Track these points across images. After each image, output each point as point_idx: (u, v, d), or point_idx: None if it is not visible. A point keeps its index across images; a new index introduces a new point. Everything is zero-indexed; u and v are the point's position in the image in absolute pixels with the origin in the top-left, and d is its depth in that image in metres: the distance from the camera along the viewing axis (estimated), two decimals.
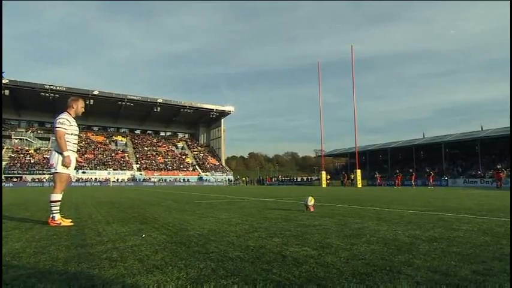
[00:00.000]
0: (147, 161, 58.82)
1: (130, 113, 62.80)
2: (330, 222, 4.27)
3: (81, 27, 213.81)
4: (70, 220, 4.31)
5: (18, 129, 56.60)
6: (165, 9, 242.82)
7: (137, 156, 60.32)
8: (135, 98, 57.49)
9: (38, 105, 54.45)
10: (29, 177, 45.02)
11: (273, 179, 65.66)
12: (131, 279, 1.82)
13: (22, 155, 50.07)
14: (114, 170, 53.25)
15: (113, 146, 61.70)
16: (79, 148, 42.58)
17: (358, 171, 33.74)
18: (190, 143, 72.19)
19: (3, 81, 45.30)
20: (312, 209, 5.71)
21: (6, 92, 46.55)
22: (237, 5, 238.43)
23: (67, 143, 4.15)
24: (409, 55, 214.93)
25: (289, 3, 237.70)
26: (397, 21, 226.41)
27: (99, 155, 56.42)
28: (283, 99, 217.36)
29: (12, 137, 53.05)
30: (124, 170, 54.30)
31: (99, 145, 60.18)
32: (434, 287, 1.68)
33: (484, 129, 38.45)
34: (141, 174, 54.15)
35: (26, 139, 53.98)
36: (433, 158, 43.12)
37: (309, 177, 58.14)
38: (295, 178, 62.36)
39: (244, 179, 63.60)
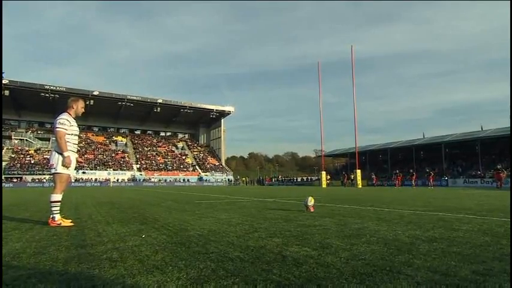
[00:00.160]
0: (147, 161, 58.82)
1: (131, 113, 62.80)
2: (330, 222, 4.27)
3: (81, 27, 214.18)
4: (70, 220, 4.31)
5: (18, 130, 56.61)
6: (165, 9, 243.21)
7: (137, 156, 60.33)
8: (135, 98, 57.51)
9: (38, 105, 54.46)
10: (29, 178, 45.02)
11: (273, 179, 65.68)
12: (131, 280, 1.83)
13: (22, 156, 50.08)
14: (114, 170, 53.25)
15: (113, 146, 61.71)
16: (79, 148, 42.56)
17: (358, 172, 33.74)
18: (190, 143, 72.19)
19: (3, 81, 45.31)
20: (312, 209, 5.71)
21: (6, 92, 46.55)
22: (237, 5, 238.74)
23: (67, 143, 4.15)
24: (409, 55, 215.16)
25: (289, 3, 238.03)
26: (397, 21, 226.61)
27: (99, 155, 56.42)
28: (283, 99, 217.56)
29: (12, 137, 53.05)
30: (124, 170, 54.30)
31: (99, 145, 60.18)
32: (434, 287, 1.68)
33: (484, 129, 38.47)
34: (141, 174, 54.15)
35: (26, 139, 53.99)
36: (433, 158, 43.12)
37: (309, 178, 58.12)
38: (295, 178, 62.35)
39: (244, 179, 63.60)
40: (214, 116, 66.41)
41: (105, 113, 61.51)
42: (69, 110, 4.36)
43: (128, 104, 57.71)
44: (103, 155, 57.14)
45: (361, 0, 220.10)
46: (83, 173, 49.17)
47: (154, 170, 56.14)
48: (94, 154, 56.35)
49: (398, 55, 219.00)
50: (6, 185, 38.61)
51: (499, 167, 25.63)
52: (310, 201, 5.77)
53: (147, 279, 1.82)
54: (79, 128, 4.51)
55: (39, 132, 57.98)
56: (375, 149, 48.58)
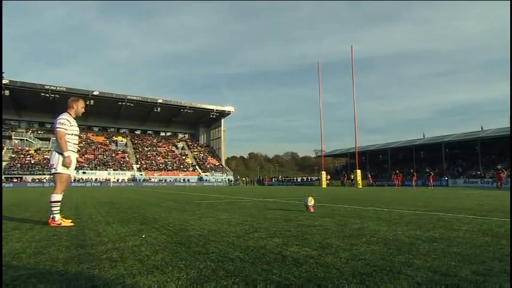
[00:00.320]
0: (147, 161, 58.84)
1: (131, 113, 62.82)
2: (330, 222, 4.27)
3: (81, 27, 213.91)
4: (70, 220, 4.32)
5: (19, 130, 56.63)
6: (165, 9, 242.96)
7: (137, 156, 60.34)
8: (135, 98, 57.54)
9: (38, 105, 54.49)
10: (29, 178, 45.04)
11: (273, 179, 65.69)
12: (131, 280, 1.83)
13: (22, 156, 50.10)
14: (114, 170, 53.27)
15: (113, 146, 61.72)
16: (79, 148, 42.53)
17: (358, 172, 33.73)
18: (190, 143, 72.21)
19: (4, 81, 45.33)
20: (312, 210, 5.71)
21: (7, 92, 46.57)
22: (237, 5, 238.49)
23: (67, 143, 4.15)
24: (409, 55, 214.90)
25: (289, 3, 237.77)
26: (397, 21, 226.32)
27: (100, 155, 56.44)
28: (283, 99, 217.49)
29: (13, 137, 53.07)
30: (124, 170, 54.32)
31: (99, 145, 60.20)
32: (434, 287, 1.68)
33: (484, 129, 38.47)
34: (141, 174, 54.17)
35: (26, 139, 54.01)
36: (433, 158, 43.12)
37: (309, 178, 58.12)
38: (295, 178, 62.35)
39: (244, 179, 63.60)
40: (214, 116, 66.42)
41: (105, 113, 61.52)
42: (69, 110, 4.36)
43: (128, 104, 57.74)
44: (103, 155, 57.16)
45: (361, 0, 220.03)
46: (83, 173, 49.18)
47: (154, 170, 56.15)
48: (94, 154, 56.37)
49: (398, 55, 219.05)
50: (7, 185, 38.63)
51: (499, 167, 25.64)
52: (310, 202, 5.77)
53: (147, 279, 1.82)
54: (79, 128, 4.52)
55: (39, 132, 58.00)
56: (375, 149, 48.59)
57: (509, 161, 30.71)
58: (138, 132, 71.48)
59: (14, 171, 45.53)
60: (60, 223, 4.08)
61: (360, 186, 31.68)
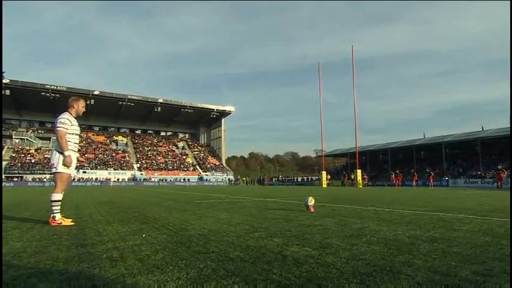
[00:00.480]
0: (147, 161, 58.85)
1: (131, 113, 62.83)
2: (331, 222, 4.27)
3: (81, 27, 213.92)
4: (71, 220, 4.32)
5: (19, 129, 56.66)
6: (165, 9, 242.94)
7: (138, 156, 60.36)
8: (135, 98, 57.54)
9: (39, 105, 54.52)
10: (29, 177, 45.07)
11: (273, 179, 65.68)
12: (132, 279, 1.83)
13: (23, 155, 50.13)
14: (114, 169, 53.30)
15: (113, 146, 61.75)
16: (80, 148, 42.56)
17: (359, 172, 33.74)
18: (190, 143, 72.23)
19: (4, 81, 45.37)
20: (312, 209, 5.71)
21: (7, 91, 46.61)
22: (237, 5, 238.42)
23: (68, 142, 4.15)
24: (409, 55, 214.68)
25: (289, 3, 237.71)
26: (397, 21, 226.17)
27: (100, 155, 56.46)
28: (284, 99, 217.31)
29: (13, 136, 53.12)
30: (124, 169, 54.34)
31: (99, 145, 60.23)
32: (434, 287, 1.68)
33: (484, 129, 38.44)
34: (141, 174, 54.19)
35: (27, 139, 54.05)
36: (433, 158, 43.10)
37: (309, 177, 58.11)
38: (295, 178, 62.34)
39: (244, 179, 63.60)
40: (214, 116, 66.41)
41: (106, 112, 61.56)
42: (70, 109, 4.36)
43: (129, 103, 57.75)
44: (103, 154, 57.18)
45: (361, 0, 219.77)
46: (84, 172, 49.21)
47: (154, 170, 56.17)
48: (95, 154, 56.39)
49: (398, 55, 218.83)
50: (7, 185, 38.66)
51: (499, 167, 25.63)
52: (311, 201, 5.77)
53: (148, 279, 1.82)
54: (80, 127, 4.52)
55: (39, 131, 58.03)
56: (375, 149, 48.59)
57: (510, 161, 30.68)
58: (138, 131, 71.50)
59: (14, 170, 45.57)
60: (61, 222, 4.08)
61: (360, 186, 31.67)
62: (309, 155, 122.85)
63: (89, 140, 60.47)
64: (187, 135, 76.44)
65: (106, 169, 52.61)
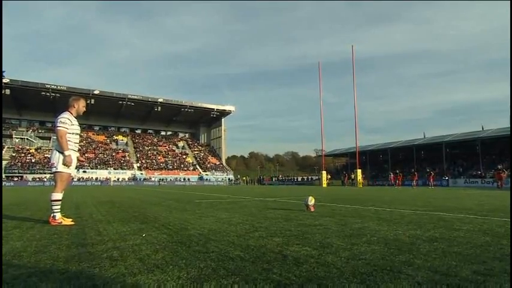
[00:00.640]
0: (147, 161, 58.87)
1: (131, 113, 62.86)
2: (331, 222, 4.27)
3: (81, 27, 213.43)
4: (71, 219, 4.32)
5: (19, 129, 56.69)
6: (165, 9, 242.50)
7: (138, 155, 60.37)
8: (135, 97, 57.57)
9: (39, 104, 54.54)
10: (29, 177, 45.11)
11: (273, 179, 65.68)
12: (132, 279, 1.83)
13: (23, 154, 50.16)
14: (114, 169, 53.32)
15: (113, 146, 61.77)
16: (80, 147, 42.58)
17: (359, 171, 33.73)
18: (190, 143, 72.24)
19: (4, 80, 45.37)
20: (312, 209, 5.71)
21: (7, 91, 46.63)
22: (237, 5, 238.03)
23: (68, 142, 4.16)
24: (409, 55, 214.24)
25: (289, 3, 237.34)
26: (397, 21, 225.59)
27: (100, 155, 56.48)
28: (284, 99, 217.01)
29: (13, 136, 53.14)
30: (125, 169, 54.36)
31: (100, 144, 60.25)
32: (434, 287, 1.68)
33: (484, 129, 38.43)
34: (141, 173, 54.21)
35: (27, 138, 54.08)
36: (433, 158, 43.11)
37: (309, 177, 58.13)
38: (295, 178, 62.35)
39: (244, 178, 63.62)
40: (214, 116, 66.42)
41: (106, 112, 61.57)
42: (70, 109, 4.36)
43: (129, 103, 57.77)
44: (104, 154, 57.20)
45: (361, 0, 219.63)
46: (84, 172, 49.24)
47: (154, 169, 56.19)
48: (95, 153, 56.42)
49: (398, 55, 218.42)
50: (7, 184, 38.69)
51: (500, 167, 25.61)
52: (311, 201, 5.77)
53: (148, 278, 1.82)
54: (80, 127, 4.52)
55: (40, 131, 58.06)
56: (375, 149, 48.59)
57: (510, 161, 30.67)
58: (138, 131, 71.53)
59: (14, 170, 45.60)
60: (61, 222, 4.09)
61: (361, 186, 31.68)
62: (309, 155, 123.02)
63: (89, 139, 60.49)
64: (187, 135, 76.46)
65: (106, 169, 52.63)
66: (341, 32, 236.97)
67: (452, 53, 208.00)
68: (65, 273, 1.95)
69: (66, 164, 4.12)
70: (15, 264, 2.17)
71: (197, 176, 57.54)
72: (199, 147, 71.34)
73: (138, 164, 57.41)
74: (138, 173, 54.31)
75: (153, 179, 52.21)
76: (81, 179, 46.38)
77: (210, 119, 69.39)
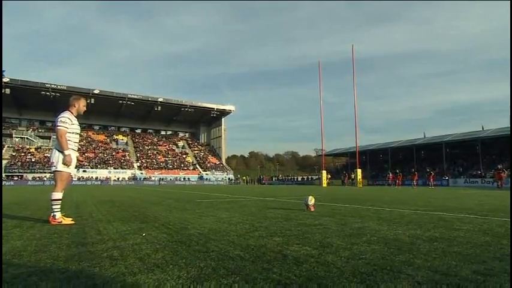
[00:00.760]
0: (147, 160, 58.88)
1: (131, 112, 62.87)
2: (331, 221, 4.27)
3: (81, 27, 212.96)
4: (71, 219, 4.32)
5: (19, 128, 56.70)
6: (165, 9, 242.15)
7: (138, 155, 60.38)
8: (136, 97, 57.58)
9: (39, 104, 54.55)
10: (29, 176, 45.12)
11: (273, 178, 65.66)
12: (132, 278, 1.83)
13: (23, 154, 50.16)
14: (114, 168, 53.33)
15: (113, 145, 61.79)
16: (80, 147, 42.66)
17: (359, 171, 33.71)
18: (190, 142, 72.25)
19: (4, 80, 45.38)
20: (312, 209, 5.71)
21: (7, 90, 46.65)
22: (237, 5, 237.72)
23: (68, 141, 4.16)
24: (409, 55, 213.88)
25: (289, 3, 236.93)
26: (397, 21, 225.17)
27: (100, 154, 56.50)
28: (284, 99, 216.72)
29: (13, 135, 53.15)
30: (125, 168, 54.38)
31: (100, 144, 60.25)
32: (434, 286, 1.68)
33: (484, 129, 38.43)
34: (141, 173, 54.23)
35: (27, 138, 54.09)
36: (433, 158, 43.10)
37: (309, 177, 58.13)
38: (295, 177, 62.35)
39: (244, 178, 63.62)
40: (214, 115, 66.43)
41: (106, 111, 61.58)
42: (70, 108, 4.36)
43: (129, 102, 57.78)
44: (104, 153, 57.21)
45: (361, 0, 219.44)
46: (84, 171, 49.26)
47: (154, 169, 56.20)
48: (95, 153, 56.43)
49: (398, 55, 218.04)
50: (7, 183, 38.69)
51: (500, 167, 25.60)
52: (311, 201, 5.77)
53: (148, 278, 1.82)
54: (80, 126, 4.51)
55: (40, 130, 58.08)
56: (376, 149, 48.59)
57: (510, 161, 30.67)
58: (138, 130, 71.54)
59: (14, 169, 45.61)
60: (61, 221, 4.09)
61: (361, 186, 31.68)
62: (309, 155, 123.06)
63: (89, 139, 60.50)
64: (187, 135, 76.48)
65: (106, 168, 52.65)
66: (341, 32, 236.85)
67: (452, 53, 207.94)
68: (65, 272, 1.96)
69: (66, 163, 4.12)
70: (15, 264, 2.17)
71: (197, 175, 57.56)
72: (199, 146, 71.35)
73: (138, 164, 57.42)
74: (138, 172, 54.33)
75: (153, 178, 52.23)
76: (81, 179, 46.41)
77: (210, 119, 69.40)
